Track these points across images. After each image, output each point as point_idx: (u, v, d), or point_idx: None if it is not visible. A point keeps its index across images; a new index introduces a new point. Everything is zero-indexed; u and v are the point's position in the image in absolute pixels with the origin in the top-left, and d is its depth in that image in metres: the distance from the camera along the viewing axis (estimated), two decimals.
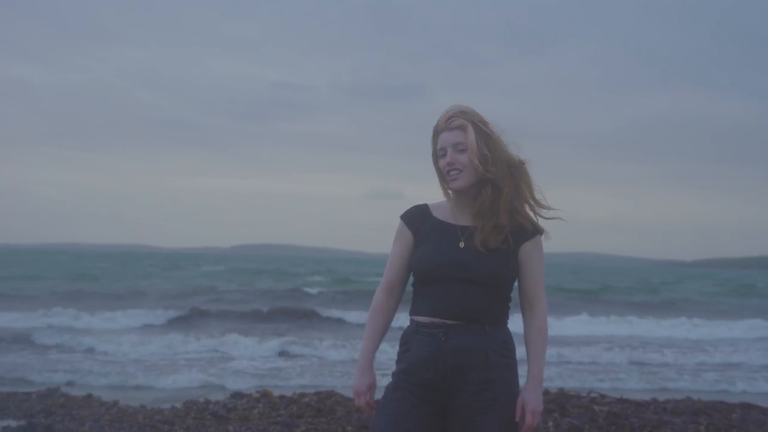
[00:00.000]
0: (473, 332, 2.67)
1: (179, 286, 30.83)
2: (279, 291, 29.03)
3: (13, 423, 6.28)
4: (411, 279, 2.85)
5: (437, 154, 2.75)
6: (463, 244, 2.70)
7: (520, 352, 2.77)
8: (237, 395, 7.46)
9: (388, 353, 5.93)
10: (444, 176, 2.74)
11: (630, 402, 7.07)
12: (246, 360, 12.55)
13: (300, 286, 32.16)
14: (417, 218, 2.81)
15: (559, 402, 6.83)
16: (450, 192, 2.77)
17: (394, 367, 2.80)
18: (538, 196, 2.75)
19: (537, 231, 2.75)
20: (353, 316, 20.20)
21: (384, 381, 2.95)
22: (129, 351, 13.03)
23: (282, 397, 7.26)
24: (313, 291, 29.06)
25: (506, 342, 2.72)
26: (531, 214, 2.75)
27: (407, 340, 2.76)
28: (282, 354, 13.46)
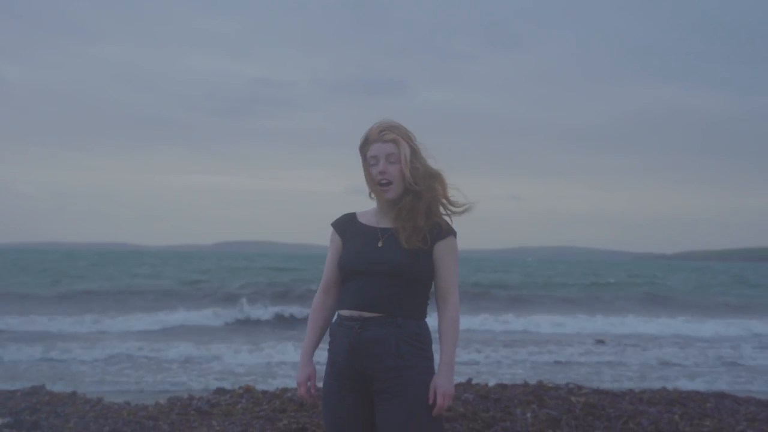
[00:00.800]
0: (386, 324, 2.94)
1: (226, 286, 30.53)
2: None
3: (1, 420, 6.32)
4: None
5: (367, 162, 3.02)
6: (381, 243, 3.00)
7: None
8: (220, 391, 7.54)
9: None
10: (374, 184, 3.02)
11: (606, 393, 7.21)
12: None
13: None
14: (344, 224, 3.13)
15: (537, 394, 6.95)
16: (375, 197, 3.07)
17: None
18: (451, 196, 3.05)
19: (450, 232, 3.03)
20: None
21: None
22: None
23: (265, 392, 7.34)
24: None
25: (419, 335, 2.97)
26: (446, 217, 3.07)
27: (333, 332, 3.06)
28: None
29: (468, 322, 18.58)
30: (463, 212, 3.08)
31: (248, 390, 7.42)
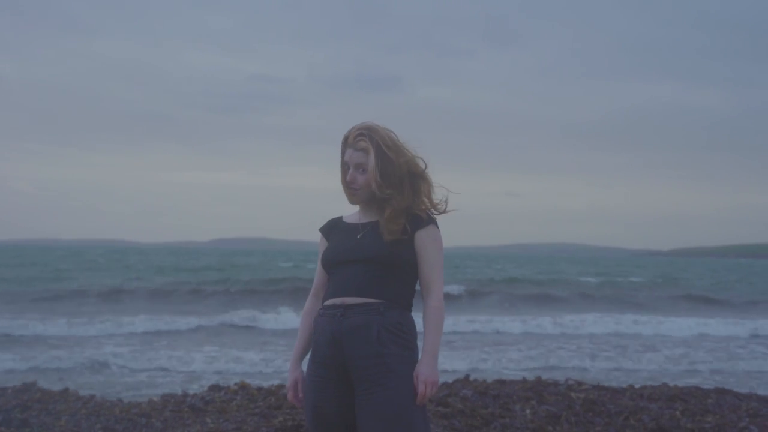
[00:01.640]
0: (368, 311, 2.92)
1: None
2: None
3: None
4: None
5: (343, 168, 3.06)
6: (361, 235, 3.03)
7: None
8: (215, 387, 7.44)
9: None
10: (344, 185, 3.07)
11: (607, 389, 7.13)
12: None
13: None
14: (329, 227, 3.18)
15: (536, 390, 6.87)
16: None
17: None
18: (434, 197, 3.06)
19: (431, 221, 3.02)
20: None
21: None
22: None
23: (260, 388, 7.25)
24: None
25: (402, 324, 2.94)
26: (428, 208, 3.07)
27: (316, 323, 3.05)
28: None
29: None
30: (443, 213, 3.09)
31: (243, 387, 7.32)
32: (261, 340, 14.79)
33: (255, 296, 24.72)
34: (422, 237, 3.00)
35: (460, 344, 14.48)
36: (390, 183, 2.98)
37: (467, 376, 7.85)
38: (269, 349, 13.31)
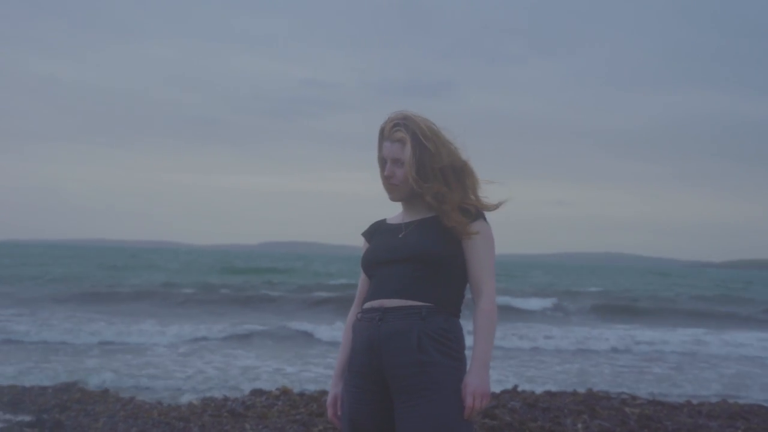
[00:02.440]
0: (408, 316, 2.66)
1: None
2: None
3: (27, 418, 6.14)
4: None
5: (380, 163, 2.83)
6: (402, 234, 2.79)
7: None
8: (257, 392, 7.29)
9: None
10: (383, 180, 2.83)
11: (663, 404, 6.82)
12: None
13: None
14: (372, 231, 2.94)
15: (588, 403, 6.59)
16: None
17: None
18: (480, 194, 2.81)
19: (480, 214, 2.76)
20: None
21: None
22: None
23: (302, 394, 7.08)
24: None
25: (447, 331, 2.66)
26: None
27: (355, 328, 2.81)
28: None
29: None
30: (493, 209, 2.82)
31: (285, 392, 7.16)
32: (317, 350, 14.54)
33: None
34: (473, 231, 2.75)
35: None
36: (429, 176, 2.75)
37: (515, 387, 7.59)
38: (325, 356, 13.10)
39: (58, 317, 16.54)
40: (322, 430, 5.64)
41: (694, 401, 7.26)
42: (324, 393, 7.02)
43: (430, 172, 2.74)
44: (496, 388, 7.46)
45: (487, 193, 2.83)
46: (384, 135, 2.81)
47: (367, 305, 2.75)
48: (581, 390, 7.69)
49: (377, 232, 2.91)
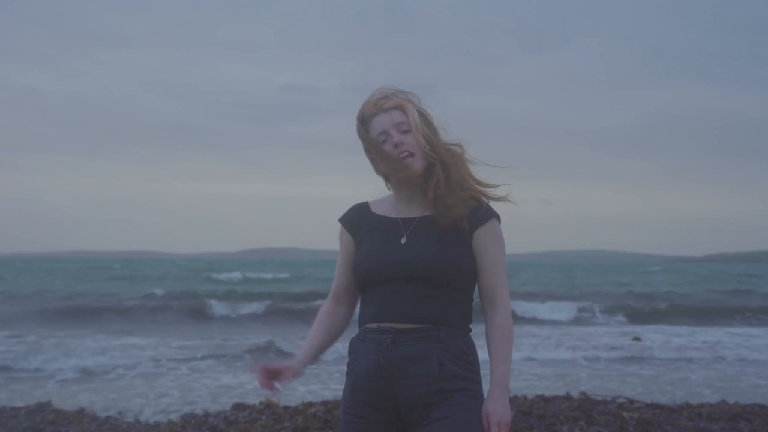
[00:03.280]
0: (426, 338, 2.35)
1: None
2: None
3: None
4: None
5: (376, 141, 2.42)
6: (405, 239, 2.42)
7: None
8: (239, 406, 7.00)
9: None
10: (392, 162, 2.40)
11: (662, 407, 6.59)
12: None
13: None
14: (355, 219, 2.56)
15: (584, 409, 6.36)
16: (392, 183, 2.50)
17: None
18: (480, 177, 2.48)
19: (491, 214, 2.44)
20: None
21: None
22: None
23: (287, 407, 6.81)
24: None
25: (465, 352, 2.38)
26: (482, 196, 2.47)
27: (354, 349, 2.46)
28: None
29: None
30: (498, 199, 2.47)
31: (269, 405, 6.88)
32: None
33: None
34: (482, 236, 2.40)
35: None
36: (436, 140, 2.42)
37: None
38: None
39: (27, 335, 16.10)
40: None
41: (693, 402, 7.03)
42: (310, 405, 6.76)
43: (436, 141, 2.42)
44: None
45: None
46: (368, 114, 2.43)
47: (374, 326, 2.40)
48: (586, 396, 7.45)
49: (363, 222, 2.52)
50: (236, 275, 41.89)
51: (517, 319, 20.94)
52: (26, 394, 9.09)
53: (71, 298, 26.16)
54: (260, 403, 7.11)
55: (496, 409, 2.31)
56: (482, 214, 2.42)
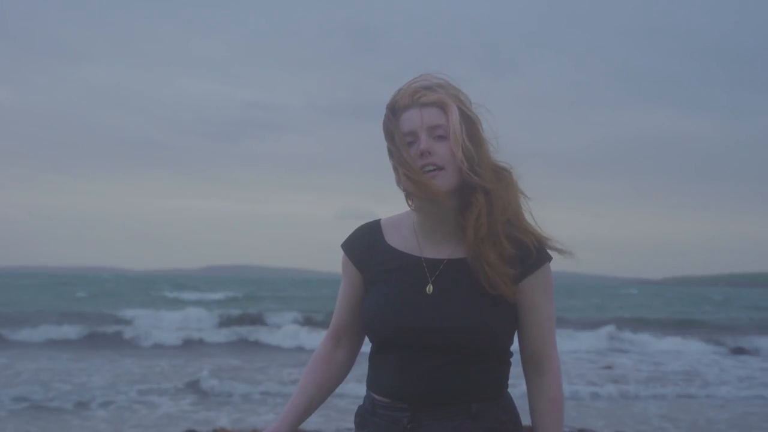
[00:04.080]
0: (453, 415, 1.89)
1: None
2: None
3: None
4: None
5: (401, 142, 1.87)
6: (432, 287, 1.90)
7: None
8: None
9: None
10: (413, 173, 1.84)
11: None
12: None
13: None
14: (364, 248, 2.01)
15: None
16: (414, 202, 1.93)
17: None
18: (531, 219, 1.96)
19: (544, 257, 1.93)
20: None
21: None
22: None
23: None
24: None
25: (504, 422, 1.94)
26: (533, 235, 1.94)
27: (362, 422, 2.01)
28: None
29: None
30: (559, 250, 1.96)
31: None
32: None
33: None
34: (531, 287, 1.91)
35: None
36: (480, 159, 1.87)
37: None
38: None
39: None
40: None
41: None
42: None
43: (480, 156, 1.87)
44: None
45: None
46: (401, 105, 1.90)
47: (385, 399, 1.95)
48: None
49: (374, 254, 1.99)
50: (191, 296, 40.03)
51: None
52: None
53: None
54: (214, 430, 7.06)
55: None
56: (535, 255, 1.90)
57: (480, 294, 1.87)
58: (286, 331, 20.97)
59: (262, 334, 20.44)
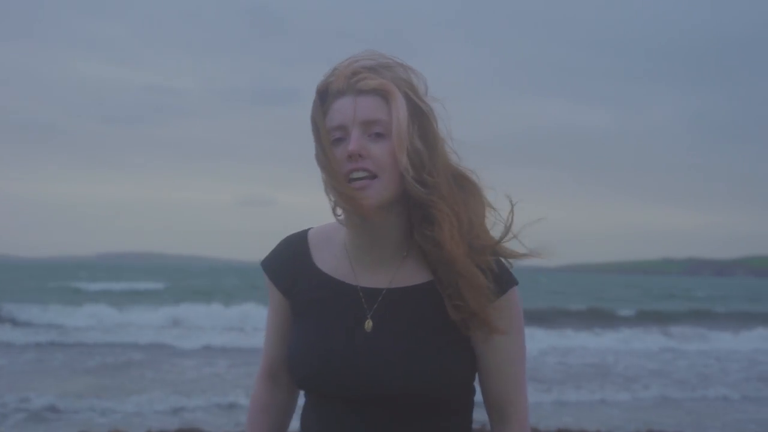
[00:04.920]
0: None
1: None
2: None
3: None
4: None
5: (325, 139, 1.45)
6: (371, 323, 1.51)
7: None
8: None
9: None
10: (338, 180, 1.43)
11: None
12: None
13: None
14: (288, 267, 1.61)
15: None
16: (344, 216, 1.51)
17: None
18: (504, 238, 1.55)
19: (509, 281, 1.52)
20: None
21: None
22: None
23: None
24: None
25: None
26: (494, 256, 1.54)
27: None
28: None
29: None
30: (522, 256, 1.56)
31: None
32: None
33: None
34: (497, 317, 1.49)
35: None
36: (432, 162, 1.46)
37: None
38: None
39: None
40: None
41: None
42: None
43: (433, 162, 1.46)
44: None
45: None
46: (337, 87, 1.46)
47: None
48: None
49: (302, 279, 1.59)
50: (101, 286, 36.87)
51: None
52: None
53: None
54: None
55: None
56: (500, 279, 1.50)
57: (432, 331, 1.49)
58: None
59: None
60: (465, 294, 1.44)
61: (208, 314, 21.05)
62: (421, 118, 1.45)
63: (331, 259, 1.58)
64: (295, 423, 1.70)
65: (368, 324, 1.50)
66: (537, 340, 16.76)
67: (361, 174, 1.42)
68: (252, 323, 19.08)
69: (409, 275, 1.53)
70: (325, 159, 1.44)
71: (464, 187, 1.49)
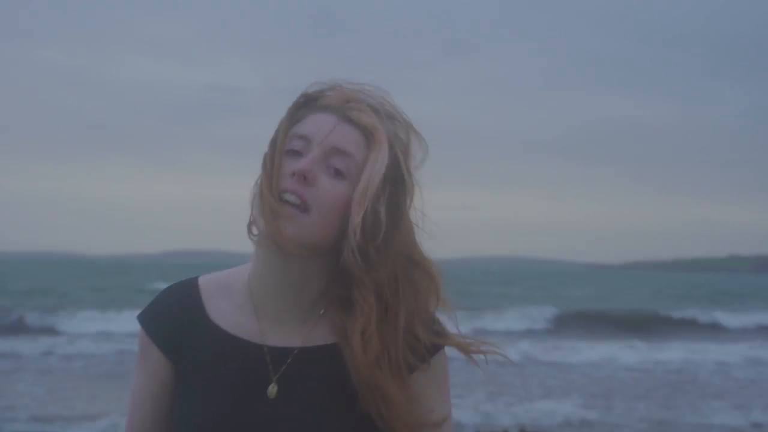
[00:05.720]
0: None
1: None
2: None
3: None
4: None
5: (281, 143, 1.30)
6: (276, 389, 1.30)
7: None
8: None
9: None
10: (269, 195, 1.25)
11: None
12: None
13: None
14: (173, 322, 1.36)
15: None
16: (258, 244, 1.32)
17: None
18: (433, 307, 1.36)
19: (435, 346, 1.34)
20: None
21: None
22: None
23: None
24: None
25: None
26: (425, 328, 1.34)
27: None
28: None
29: None
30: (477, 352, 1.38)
31: None
32: None
33: None
34: (422, 385, 1.32)
35: None
36: (388, 236, 1.26)
37: None
38: None
39: None
40: None
41: None
42: None
43: (388, 238, 1.26)
44: None
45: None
46: (327, 103, 1.32)
47: None
48: None
49: (191, 338, 1.35)
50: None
51: None
52: None
53: None
54: None
55: None
56: (422, 348, 1.31)
57: (347, 399, 1.28)
58: None
59: None
60: (373, 402, 1.26)
61: None
62: (398, 186, 1.28)
63: (231, 313, 1.34)
64: None
65: (272, 389, 1.29)
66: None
67: (292, 199, 1.24)
68: None
69: (329, 332, 1.31)
70: (270, 163, 1.27)
71: (414, 278, 1.30)
